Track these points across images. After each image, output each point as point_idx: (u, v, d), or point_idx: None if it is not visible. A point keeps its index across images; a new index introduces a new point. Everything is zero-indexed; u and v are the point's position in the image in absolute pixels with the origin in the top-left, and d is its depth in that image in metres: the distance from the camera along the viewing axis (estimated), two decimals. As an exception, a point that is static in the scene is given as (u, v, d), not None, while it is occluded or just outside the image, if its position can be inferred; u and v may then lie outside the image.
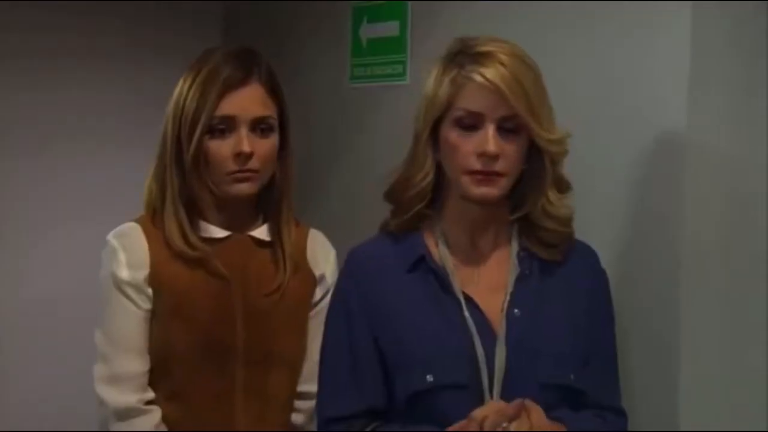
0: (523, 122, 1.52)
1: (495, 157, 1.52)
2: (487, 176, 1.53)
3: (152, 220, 1.78)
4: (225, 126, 1.71)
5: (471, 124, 1.53)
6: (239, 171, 1.72)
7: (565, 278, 1.62)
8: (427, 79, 1.60)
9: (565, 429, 1.52)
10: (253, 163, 1.72)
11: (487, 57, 1.52)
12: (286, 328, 1.75)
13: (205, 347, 1.73)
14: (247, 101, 1.72)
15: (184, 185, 1.75)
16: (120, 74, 3.07)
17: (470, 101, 1.53)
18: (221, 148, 1.72)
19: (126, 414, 1.72)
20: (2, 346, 2.97)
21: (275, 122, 1.77)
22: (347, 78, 2.58)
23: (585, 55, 1.93)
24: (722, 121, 1.78)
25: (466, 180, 1.55)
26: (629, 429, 1.68)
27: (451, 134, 1.55)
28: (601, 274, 1.67)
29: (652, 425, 1.77)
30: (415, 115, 1.62)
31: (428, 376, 1.53)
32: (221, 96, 1.70)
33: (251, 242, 1.80)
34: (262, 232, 1.81)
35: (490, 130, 1.52)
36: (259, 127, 1.74)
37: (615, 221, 1.85)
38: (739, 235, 1.81)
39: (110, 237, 1.78)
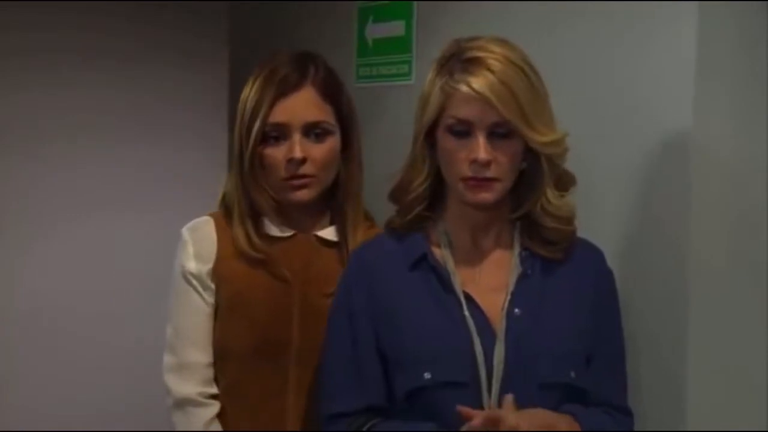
0: (514, 128, 1.52)
1: (486, 164, 1.53)
2: (480, 183, 1.54)
3: (225, 216, 1.81)
4: (278, 133, 1.73)
5: (462, 131, 1.54)
6: (293, 177, 1.73)
7: (569, 277, 1.62)
8: (423, 85, 1.61)
9: (573, 421, 1.53)
10: (307, 168, 1.74)
11: (476, 64, 1.52)
12: None
13: (260, 345, 1.75)
14: (299, 107, 1.74)
15: (246, 189, 1.77)
16: (123, 73, 3.08)
17: (459, 110, 1.53)
18: (275, 154, 1.74)
19: (183, 404, 1.75)
20: (2, 345, 2.96)
21: (331, 126, 1.78)
22: (353, 78, 2.58)
23: (590, 54, 1.93)
24: (728, 120, 1.78)
25: (461, 186, 1.56)
26: (637, 429, 1.69)
27: (445, 141, 1.56)
28: (606, 274, 1.67)
29: (660, 425, 1.77)
30: (414, 117, 1.62)
31: (426, 374, 1.54)
32: (274, 103, 1.72)
33: (316, 242, 1.81)
34: (328, 233, 1.82)
35: (480, 138, 1.53)
36: (313, 132, 1.75)
37: (620, 220, 1.85)
38: (744, 235, 1.81)
39: (184, 230, 1.82)
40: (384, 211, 1.74)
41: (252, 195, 1.77)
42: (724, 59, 1.77)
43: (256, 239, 1.77)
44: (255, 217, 1.79)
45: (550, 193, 1.58)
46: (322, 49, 2.72)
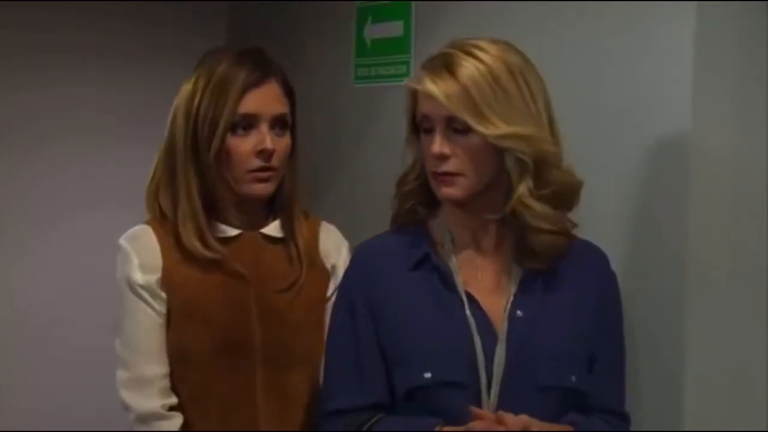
0: (464, 123, 1.52)
1: (441, 158, 1.53)
2: (443, 178, 1.55)
3: (160, 222, 1.76)
4: (246, 124, 1.71)
5: (427, 127, 1.55)
6: (260, 170, 1.71)
7: (572, 280, 1.61)
8: None
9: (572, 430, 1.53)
10: (274, 161, 1.72)
11: (437, 61, 1.54)
12: (304, 324, 1.74)
13: (222, 347, 1.72)
14: (268, 99, 1.72)
15: (203, 185, 1.73)
16: (123, 73, 3.08)
17: (422, 106, 1.56)
18: (242, 145, 1.70)
19: (148, 418, 1.71)
20: (1, 345, 2.96)
21: (289, 120, 1.77)
22: (351, 78, 2.58)
23: (589, 54, 1.94)
24: (727, 120, 1.78)
25: (432, 182, 1.57)
26: (635, 430, 1.68)
27: (422, 137, 1.58)
28: (610, 276, 1.66)
29: (658, 425, 1.77)
30: None
31: (426, 373, 1.53)
32: (243, 94, 1.70)
33: (262, 239, 1.79)
34: (273, 229, 1.80)
35: (437, 132, 1.54)
36: (277, 124, 1.74)
37: (619, 221, 1.85)
38: (743, 237, 1.81)
39: (122, 241, 1.76)
40: (383, 211, 1.74)
41: (217, 189, 1.73)
42: (723, 59, 1.77)
43: (210, 238, 1.73)
44: (207, 215, 1.74)
45: (527, 196, 1.54)
46: (321, 49, 2.74)
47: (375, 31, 2.53)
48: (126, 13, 3.08)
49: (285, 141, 1.75)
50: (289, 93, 1.77)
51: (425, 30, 2.37)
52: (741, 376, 1.80)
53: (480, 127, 1.50)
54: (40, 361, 2.99)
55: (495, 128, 1.50)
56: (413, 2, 2.41)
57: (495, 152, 1.54)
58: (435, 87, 1.51)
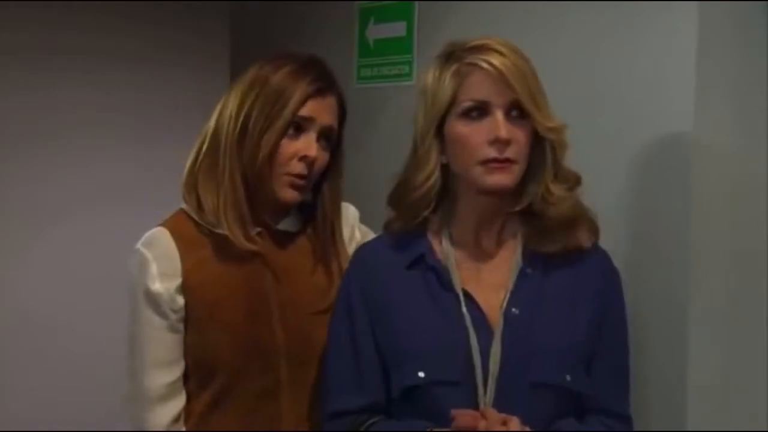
0: (526, 109, 1.52)
1: (507, 143, 1.52)
2: (501, 164, 1.52)
3: (179, 222, 1.74)
4: (297, 127, 1.69)
5: (479, 113, 1.53)
6: (298, 176, 1.70)
7: (572, 277, 1.60)
8: (422, 82, 1.60)
9: None
10: (312, 170, 1.72)
11: (484, 47, 1.54)
12: (322, 317, 1.72)
13: (246, 351, 1.71)
14: (324, 109, 1.72)
15: (245, 182, 1.71)
16: (124, 72, 3.07)
17: (476, 90, 1.53)
18: (288, 148, 1.69)
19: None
20: (2, 346, 2.97)
21: (335, 137, 1.76)
22: (354, 79, 2.58)
23: (590, 54, 1.94)
24: (728, 120, 1.79)
25: (479, 171, 1.54)
26: (637, 429, 1.67)
27: (459, 127, 1.55)
28: (611, 275, 1.65)
29: (659, 425, 1.77)
30: (413, 118, 1.61)
31: (420, 373, 1.53)
32: (304, 101, 1.69)
33: (281, 236, 1.78)
34: (288, 224, 1.79)
35: (499, 116, 1.52)
36: (323, 137, 1.73)
37: (620, 220, 1.85)
38: (745, 234, 1.81)
39: (140, 247, 1.72)
40: (383, 211, 1.74)
41: (262, 185, 1.71)
42: (724, 59, 1.78)
43: (252, 230, 1.71)
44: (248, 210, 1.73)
45: (552, 185, 1.57)
46: (322, 49, 2.73)
47: (378, 31, 2.53)
48: (127, 13, 3.08)
49: (325, 156, 1.74)
50: (343, 111, 1.76)
51: (428, 30, 2.38)
52: (743, 375, 1.80)
53: (539, 116, 1.52)
54: (39, 361, 2.99)
55: (548, 120, 1.53)
56: (416, 2, 2.42)
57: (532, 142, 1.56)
58: (506, 69, 1.51)
